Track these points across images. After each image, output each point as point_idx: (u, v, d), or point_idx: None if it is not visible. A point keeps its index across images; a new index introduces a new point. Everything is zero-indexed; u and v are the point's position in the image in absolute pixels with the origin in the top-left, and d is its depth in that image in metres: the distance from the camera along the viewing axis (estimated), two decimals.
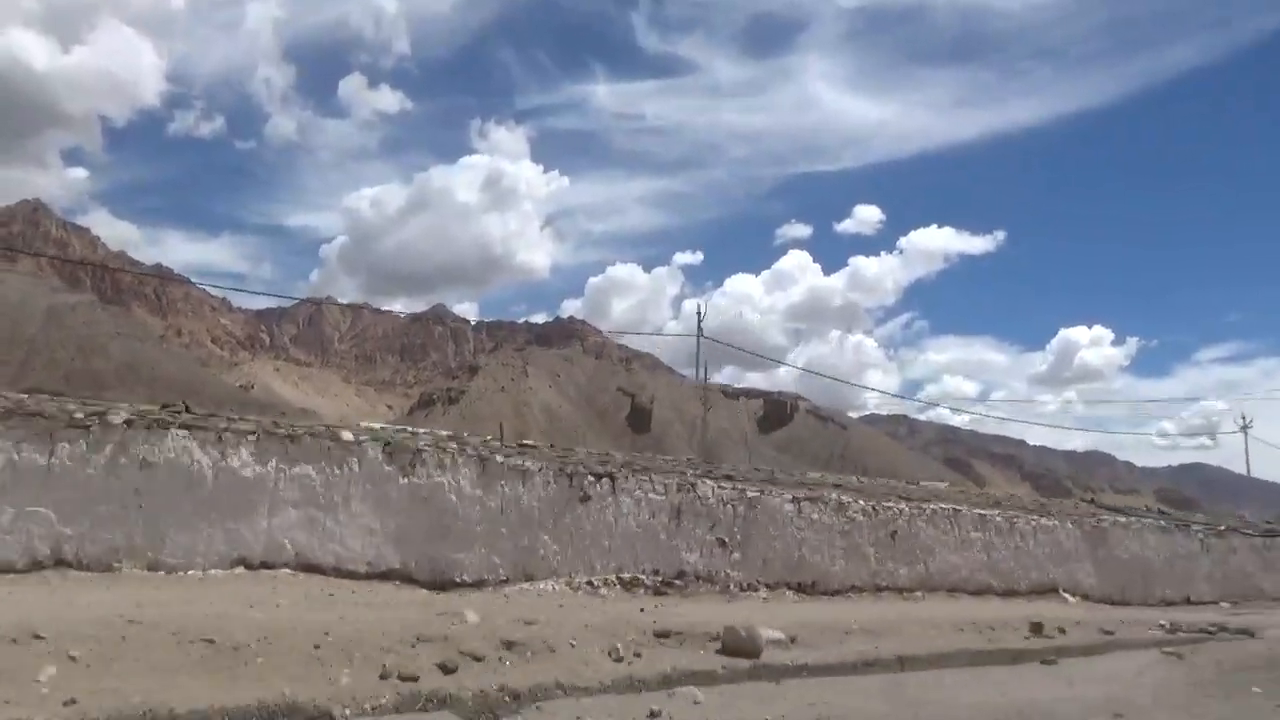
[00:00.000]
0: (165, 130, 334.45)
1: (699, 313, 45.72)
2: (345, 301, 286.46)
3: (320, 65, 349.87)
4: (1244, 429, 49.26)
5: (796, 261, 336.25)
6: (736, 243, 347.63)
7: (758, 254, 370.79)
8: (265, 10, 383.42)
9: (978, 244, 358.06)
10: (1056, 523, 15.74)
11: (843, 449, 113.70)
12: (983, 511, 14.95)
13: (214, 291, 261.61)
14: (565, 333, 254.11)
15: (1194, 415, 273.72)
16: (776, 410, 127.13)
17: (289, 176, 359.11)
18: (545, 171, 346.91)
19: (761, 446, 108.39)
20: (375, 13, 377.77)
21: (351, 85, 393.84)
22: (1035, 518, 15.56)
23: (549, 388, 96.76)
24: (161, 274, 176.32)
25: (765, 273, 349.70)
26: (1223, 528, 18.89)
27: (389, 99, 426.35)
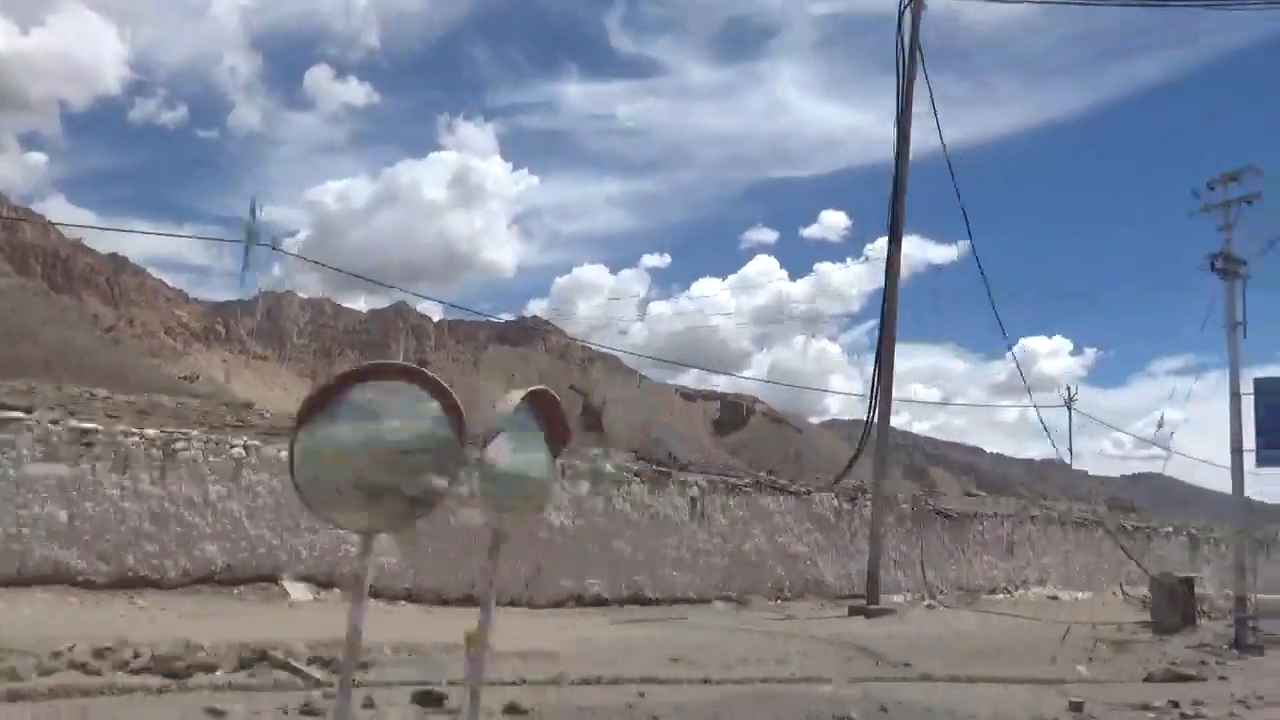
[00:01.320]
0: (126, 117, 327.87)
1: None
2: (306, 296, 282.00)
3: (287, 56, 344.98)
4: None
5: (763, 266, 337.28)
6: (704, 246, 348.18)
7: (725, 258, 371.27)
8: None
9: (942, 253, 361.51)
10: None
11: (796, 452, 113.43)
12: None
13: (170, 282, 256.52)
14: (528, 331, 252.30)
15: (1148, 425, 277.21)
16: (733, 413, 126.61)
17: (254, 168, 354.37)
18: (514, 170, 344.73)
19: (716, 449, 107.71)
20: (345, 4, 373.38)
21: (317, 77, 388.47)
22: None
23: (500, 385, 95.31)
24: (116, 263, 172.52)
25: (732, 276, 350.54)
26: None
27: (356, 91, 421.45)
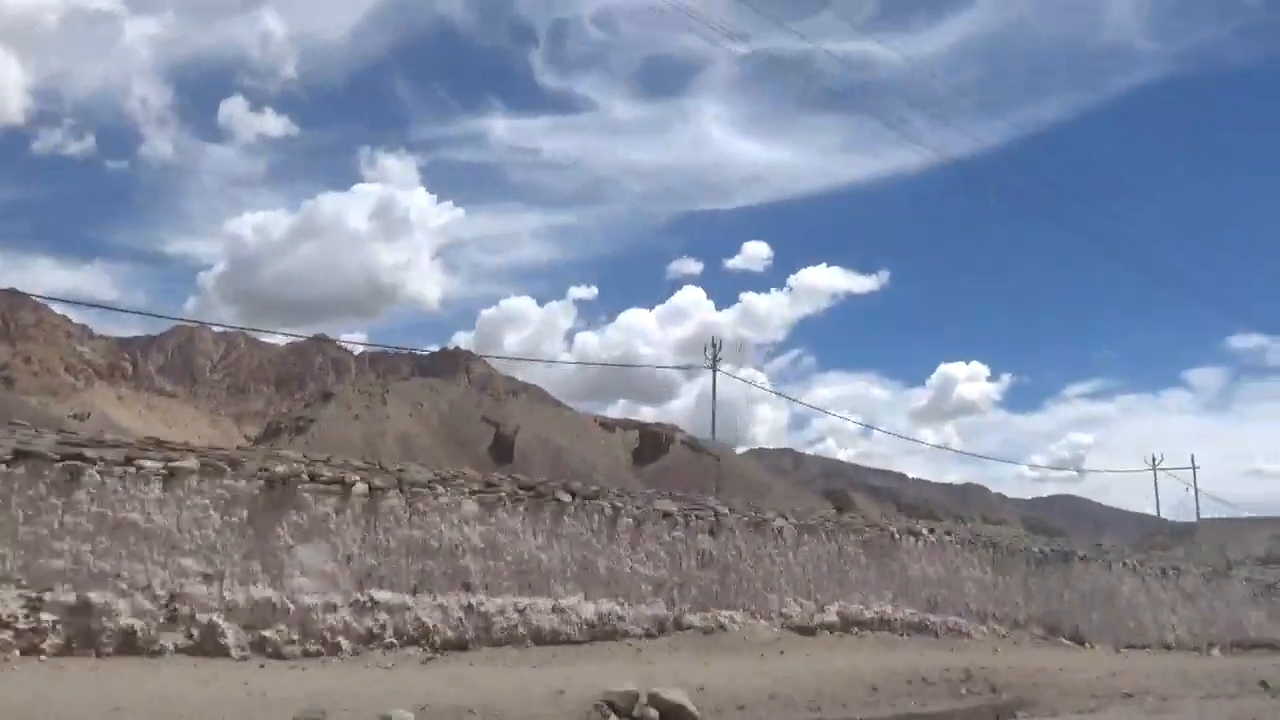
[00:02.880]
0: (30, 148, 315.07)
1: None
2: (220, 329, 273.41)
3: (202, 87, 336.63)
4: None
5: (690, 297, 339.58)
6: (631, 277, 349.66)
7: (652, 289, 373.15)
8: (144, 28, 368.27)
9: (863, 283, 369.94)
10: None
11: (716, 481, 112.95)
12: None
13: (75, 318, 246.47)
14: (451, 363, 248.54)
15: (1061, 448, 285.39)
16: (652, 441, 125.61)
17: (168, 201, 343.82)
18: (439, 202, 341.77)
19: (633, 478, 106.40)
20: (263, 36, 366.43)
21: (232, 108, 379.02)
22: None
23: (409, 416, 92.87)
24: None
25: (659, 307, 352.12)
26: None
27: (273, 123, 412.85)
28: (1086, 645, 20.69)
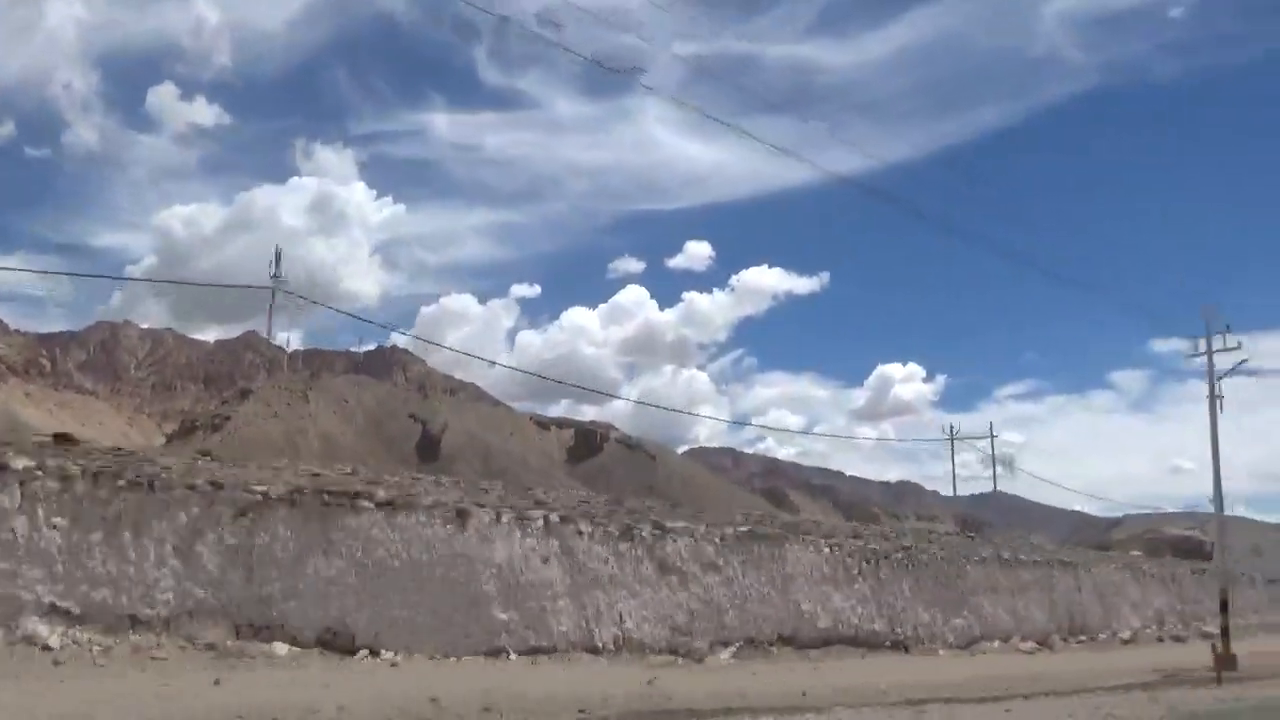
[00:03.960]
0: None
1: None
2: (146, 326, 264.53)
3: (129, 73, 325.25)
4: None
5: (633, 296, 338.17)
6: (573, 276, 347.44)
7: (594, 288, 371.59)
8: (68, 11, 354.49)
9: (803, 284, 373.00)
10: None
11: (651, 480, 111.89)
12: None
13: None
14: (388, 362, 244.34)
15: (994, 446, 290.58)
16: (586, 440, 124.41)
17: (94, 192, 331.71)
18: (378, 197, 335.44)
19: (567, 477, 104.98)
20: (195, 23, 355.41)
21: (161, 95, 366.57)
22: None
23: (333, 414, 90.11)
24: None
25: (602, 306, 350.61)
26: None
27: (204, 112, 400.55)
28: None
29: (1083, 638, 24.58)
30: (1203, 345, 24.20)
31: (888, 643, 19.59)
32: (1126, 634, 25.88)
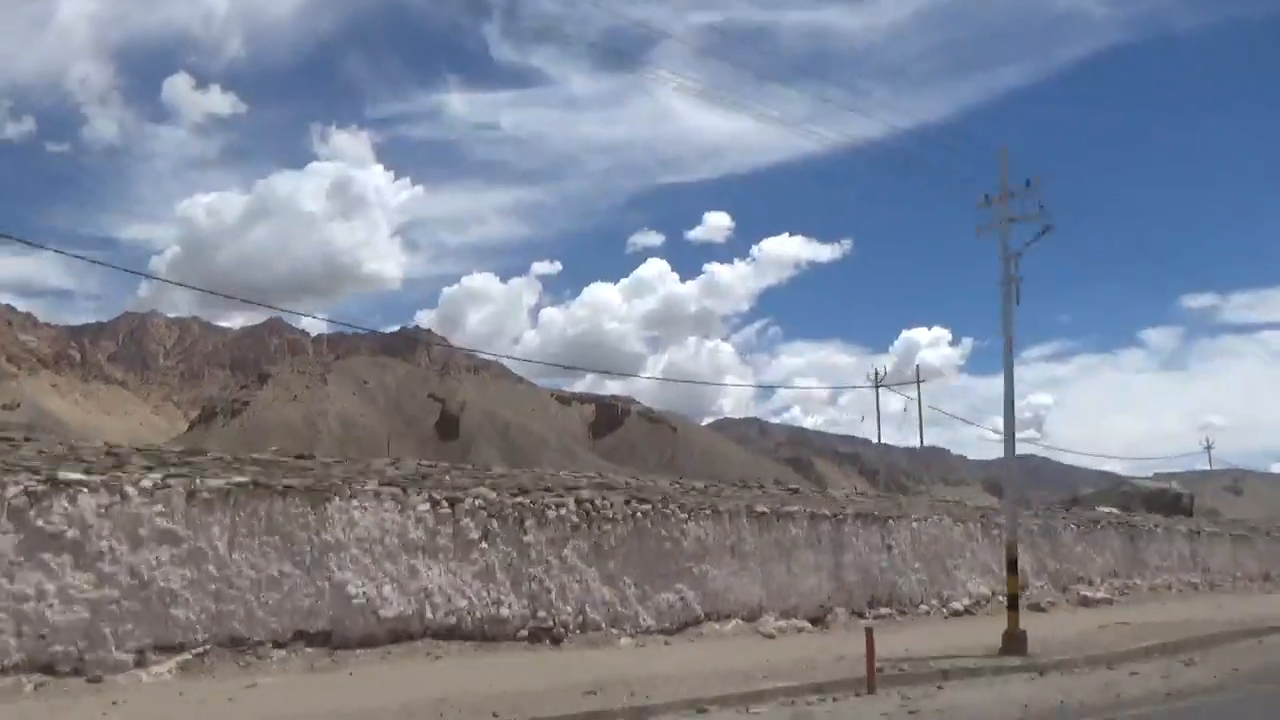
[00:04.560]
0: None
1: None
2: (173, 315, 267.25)
3: (144, 65, 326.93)
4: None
5: (654, 270, 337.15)
6: (594, 252, 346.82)
7: (615, 263, 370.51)
8: (82, 6, 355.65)
9: (825, 251, 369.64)
10: None
11: (673, 453, 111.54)
12: None
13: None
14: (411, 343, 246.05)
15: (1022, 410, 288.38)
16: (608, 415, 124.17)
17: (116, 185, 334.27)
18: (396, 179, 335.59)
19: (588, 453, 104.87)
20: (206, 12, 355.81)
21: (178, 85, 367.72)
22: None
23: (352, 395, 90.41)
24: None
25: (624, 281, 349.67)
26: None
27: (219, 101, 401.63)
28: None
29: (887, 610, 19.04)
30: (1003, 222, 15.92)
31: (523, 632, 13.89)
32: (962, 604, 20.73)
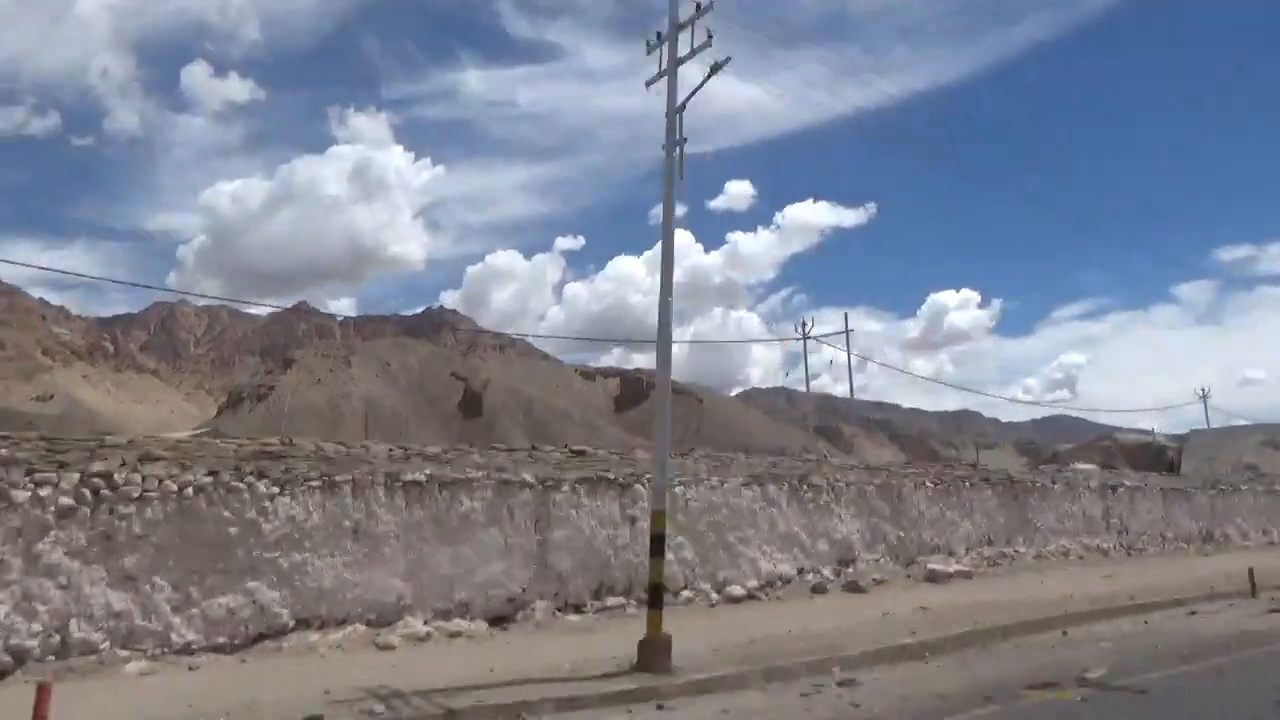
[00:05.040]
0: None
1: None
2: (203, 303, 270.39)
3: (163, 55, 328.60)
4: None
5: (678, 240, 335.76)
6: (617, 226, 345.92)
7: (638, 235, 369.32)
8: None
9: (850, 216, 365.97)
10: None
11: (698, 424, 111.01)
12: None
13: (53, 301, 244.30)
14: (436, 324, 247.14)
15: (1054, 370, 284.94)
16: (632, 388, 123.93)
17: (140, 175, 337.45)
18: (417, 160, 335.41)
19: (612, 426, 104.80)
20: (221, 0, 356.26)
21: (195, 75, 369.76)
22: None
23: (375, 377, 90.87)
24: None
25: (647, 253, 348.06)
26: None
27: (238, 88, 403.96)
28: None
29: (619, 601, 14.76)
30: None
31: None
32: (746, 587, 16.46)
